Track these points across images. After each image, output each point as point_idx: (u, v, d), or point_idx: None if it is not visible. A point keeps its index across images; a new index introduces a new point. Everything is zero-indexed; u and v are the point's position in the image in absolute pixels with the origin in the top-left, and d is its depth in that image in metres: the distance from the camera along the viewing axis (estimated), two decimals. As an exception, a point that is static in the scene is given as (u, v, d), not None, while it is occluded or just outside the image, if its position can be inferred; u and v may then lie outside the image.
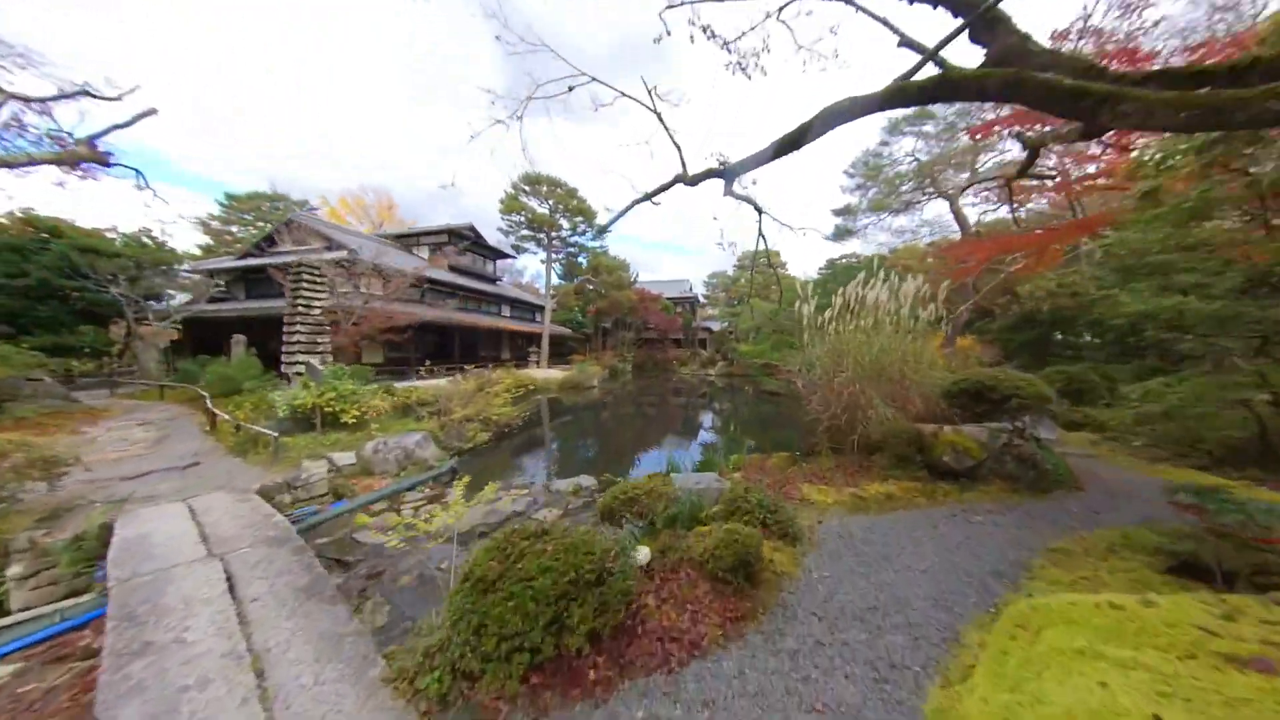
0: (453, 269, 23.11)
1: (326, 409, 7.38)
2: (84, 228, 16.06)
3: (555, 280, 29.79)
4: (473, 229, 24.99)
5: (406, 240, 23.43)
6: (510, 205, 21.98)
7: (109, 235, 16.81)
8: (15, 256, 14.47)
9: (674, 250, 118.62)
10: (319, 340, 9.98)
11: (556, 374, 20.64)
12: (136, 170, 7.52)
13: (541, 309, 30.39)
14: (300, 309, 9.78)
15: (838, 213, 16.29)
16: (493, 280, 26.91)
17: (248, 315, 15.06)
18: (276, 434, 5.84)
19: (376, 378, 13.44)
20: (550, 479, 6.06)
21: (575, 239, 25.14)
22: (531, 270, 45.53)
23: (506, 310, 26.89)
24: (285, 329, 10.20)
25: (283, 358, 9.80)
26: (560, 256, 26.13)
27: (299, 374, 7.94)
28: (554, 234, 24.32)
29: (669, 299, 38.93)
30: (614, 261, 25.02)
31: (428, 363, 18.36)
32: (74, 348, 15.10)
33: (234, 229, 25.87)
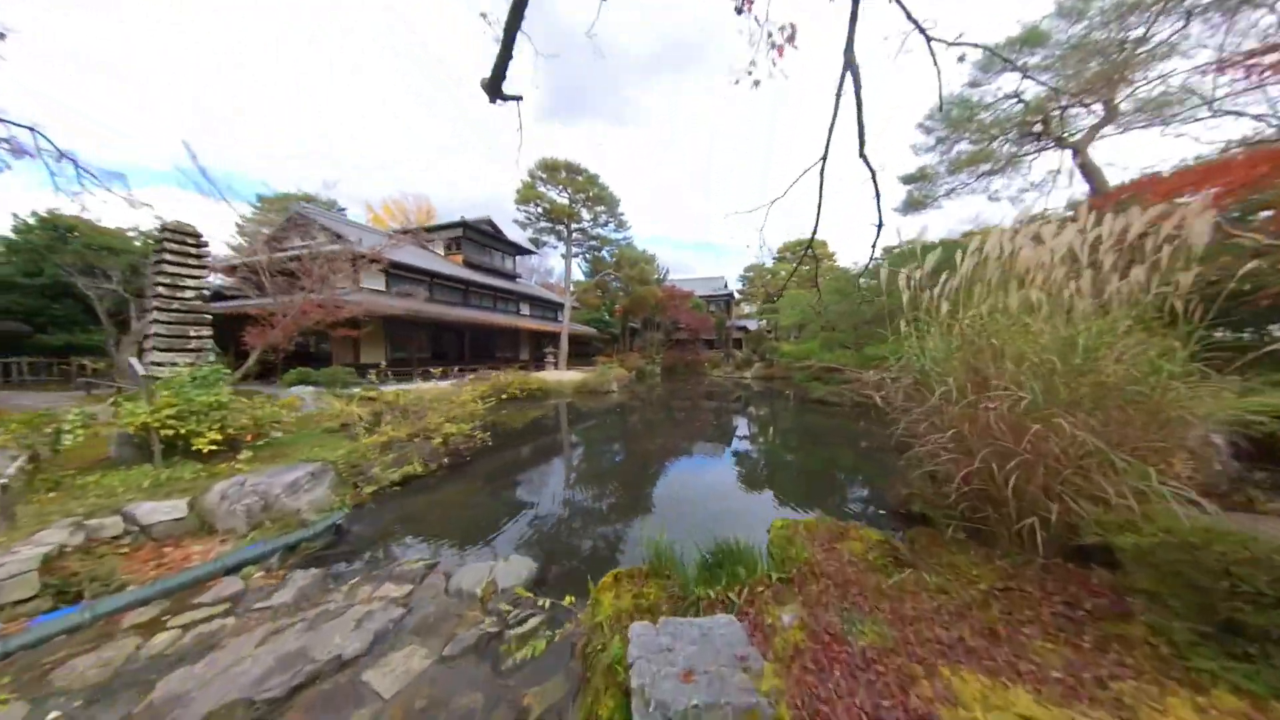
0: (468, 264, 21.90)
1: (166, 429, 4.97)
2: (104, 227, 16.03)
3: (580, 278, 28.13)
4: (490, 223, 23.75)
5: (423, 237, 22.50)
6: (526, 194, 20.45)
7: (129, 234, 16.77)
8: (34, 255, 14.48)
9: (709, 250, 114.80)
10: (191, 333, 7.72)
11: (573, 376, 18.76)
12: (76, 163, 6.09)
13: (564, 308, 28.79)
14: (162, 292, 7.34)
15: (909, 180, 13.13)
16: (512, 277, 25.61)
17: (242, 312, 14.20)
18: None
19: (360, 378, 12.04)
20: (464, 556, 3.82)
21: (597, 231, 23.27)
22: (561, 269, 44.31)
23: (526, 309, 25.46)
24: (142, 318, 8.24)
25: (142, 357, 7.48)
26: (582, 251, 24.37)
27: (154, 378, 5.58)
28: (574, 225, 22.55)
29: (701, 297, 36.29)
30: (638, 254, 22.86)
31: (436, 364, 17.01)
32: (88, 346, 14.96)
33: (265, 230, 26.25)
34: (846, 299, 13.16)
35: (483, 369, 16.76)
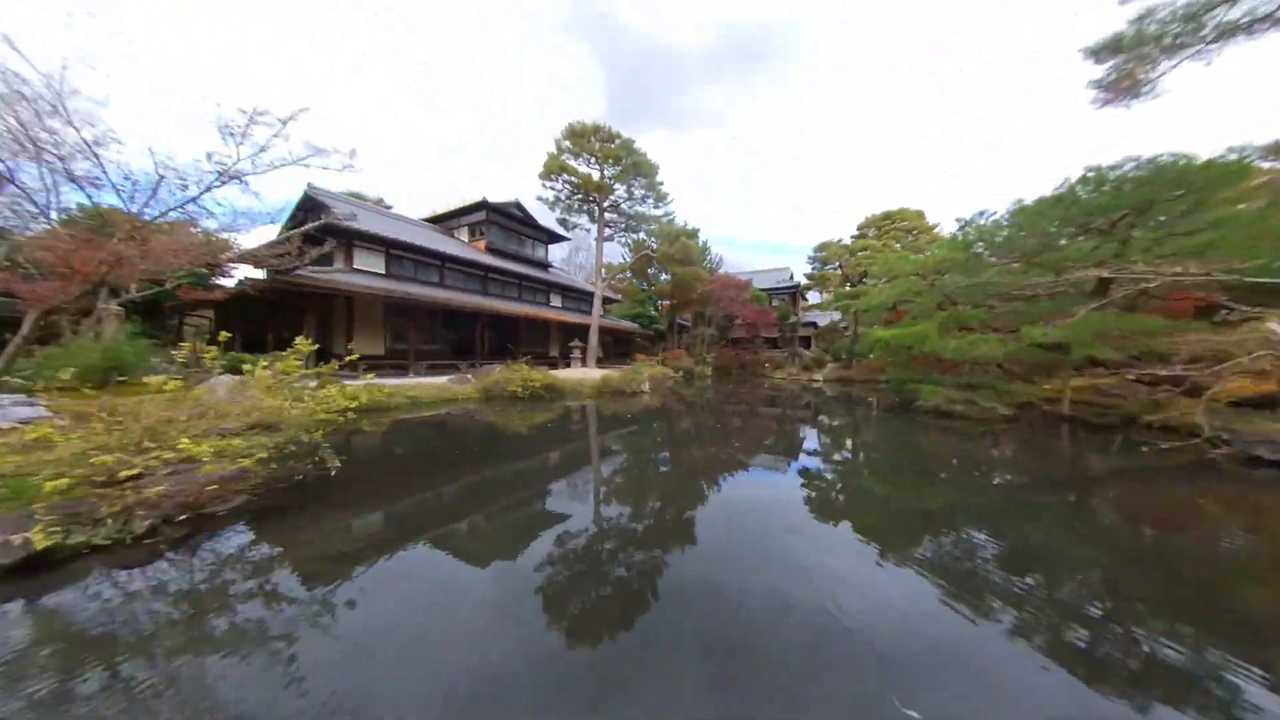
0: (493, 251, 19.85)
1: None
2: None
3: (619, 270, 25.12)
4: (519, 207, 21.63)
5: (447, 223, 21.02)
6: (552, 167, 17.88)
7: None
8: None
9: (774, 250, 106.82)
10: None
11: (595, 375, 15.58)
12: None
13: (604, 300, 25.91)
14: None
15: (1096, 52, 7.93)
16: (544, 266, 23.32)
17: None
18: None
19: (339, 371, 9.84)
20: None
21: (635, 209, 20.07)
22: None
23: (557, 300, 22.96)
24: None
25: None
26: (616, 232, 21.30)
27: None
28: (606, 202, 19.55)
29: (762, 290, 31.55)
30: (677, 228, 19.11)
31: (444, 359, 14.85)
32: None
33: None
34: (975, 265, 8.51)
35: (503, 365, 14.17)
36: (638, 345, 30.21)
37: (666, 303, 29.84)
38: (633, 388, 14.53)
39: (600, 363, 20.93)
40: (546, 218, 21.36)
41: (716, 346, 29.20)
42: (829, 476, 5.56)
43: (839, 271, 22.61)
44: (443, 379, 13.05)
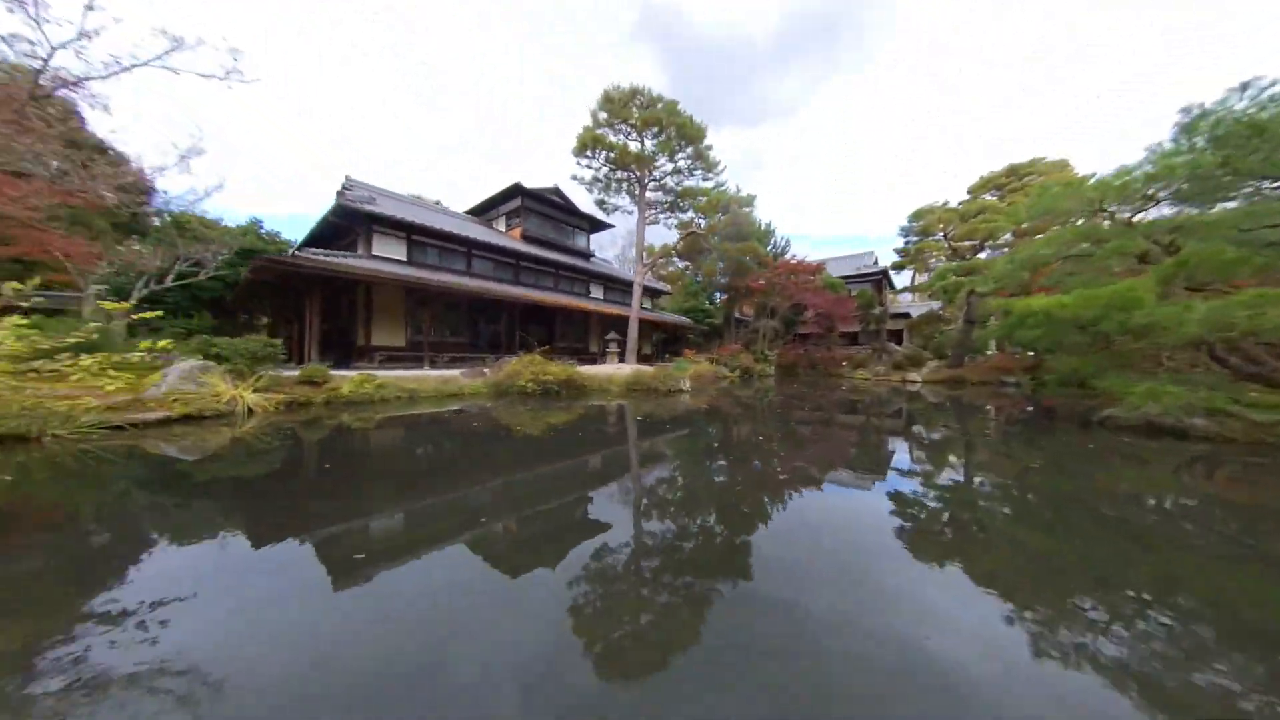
0: (529, 239, 18.62)
1: None
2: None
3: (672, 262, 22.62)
4: (558, 193, 20.24)
5: (487, 215, 20.29)
6: (586, 140, 16.08)
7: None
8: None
9: (852, 244, 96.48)
10: None
11: (627, 370, 13.34)
12: None
13: (650, 292, 23.68)
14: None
15: None
16: (585, 255, 21.71)
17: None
18: None
19: (340, 362, 8.77)
20: None
21: (681, 182, 17.54)
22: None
23: (598, 291, 21.20)
24: None
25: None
26: (661, 213, 18.91)
27: None
28: (649, 177, 17.29)
29: (840, 277, 27.10)
30: (726, 196, 16.00)
31: (465, 351, 13.71)
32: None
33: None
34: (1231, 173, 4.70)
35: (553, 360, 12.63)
36: (690, 341, 27.47)
37: (725, 296, 26.78)
38: (667, 385, 12.04)
39: (645, 359, 18.68)
40: (589, 205, 19.74)
41: (781, 342, 25.43)
42: (932, 446, 2.65)
43: (943, 242, 17.73)
44: (454, 372, 11.71)
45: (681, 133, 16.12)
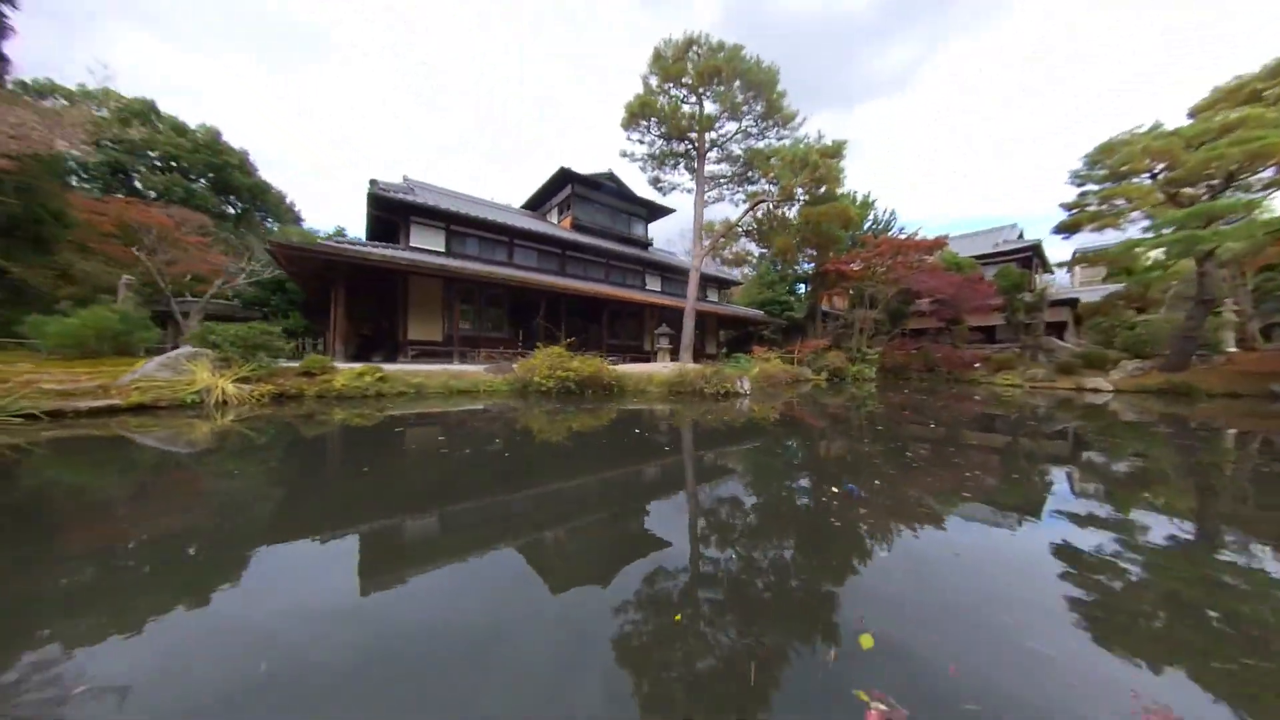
0: (579, 228, 17.32)
1: None
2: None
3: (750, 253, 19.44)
4: (612, 178, 18.67)
5: (541, 208, 19.53)
6: (636, 109, 14.12)
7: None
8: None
9: (985, 224, 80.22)
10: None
11: (666, 369, 10.94)
12: None
13: (715, 282, 20.92)
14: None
15: None
16: (643, 245, 19.77)
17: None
18: None
19: (388, 358, 8.10)
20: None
21: (749, 144, 14.62)
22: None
23: (654, 283, 19.10)
24: None
25: None
26: (728, 186, 16.10)
27: None
28: (709, 142, 14.72)
29: (972, 258, 21.44)
30: (803, 148, 12.29)
31: (500, 347, 12.71)
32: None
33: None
34: None
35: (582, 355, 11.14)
36: (765, 339, 23.89)
37: (809, 287, 22.71)
38: (714, 387, 9.36)
39: (709, 359, 16.06)
40: (648, 190, 17.78)
41: (885, 338, 20.59)
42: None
43: (1150, 185, 11.61)
44: (475, 367, 10.54)
45: (747, 82, 13.29)
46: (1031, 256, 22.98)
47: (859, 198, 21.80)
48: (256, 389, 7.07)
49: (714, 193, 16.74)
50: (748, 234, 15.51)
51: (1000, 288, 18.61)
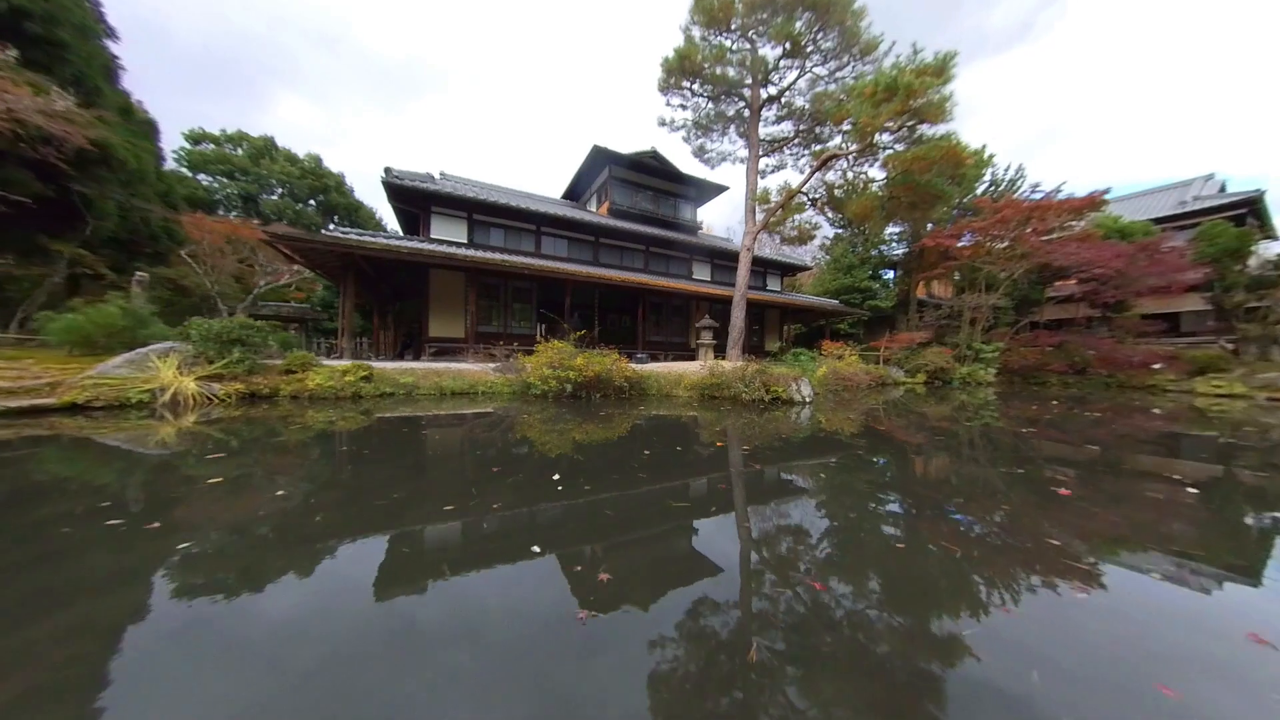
0: (615, 212, 15.74)
1: None
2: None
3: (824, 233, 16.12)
4: (655, 156, 16.79)
5: (580, 198, 18.28)
6: (675, 66, 12.05)
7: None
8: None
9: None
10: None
11: (697, 368, 8.69)
12: None
13: (778, 268, 18.08)
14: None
15: None
16: (691, 229, 17.57)
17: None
18: None
19: (401, 356, 7.45)
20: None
21: (818, 88, 11.78)
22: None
23: (704, 271, 16.81)
24: None
25: None
26: (792, 146, 13.29)
27: None
28: (763, 97, 12.17)
29: (1147, 221, 16.05)
30: (892, 72, 8.98)
31: (514, 343, 11.62)
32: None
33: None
34: None
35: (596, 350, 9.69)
36: (844, 333, 20.25)
37: (900, 271, 18.67)
38: (754, 393, 6.97)
39: (763, 357, 13.44)
40: (694, 166, 15.56)
41: (1008, 330, 16.04)
42: None
43: None
44: (476, 366, 9.37)
45: (813, 4, 10.56)
46: (1246, 214, 16.38)
47: (974, 148, 17.25)
48: (224, 388, 6.45)
49: (772, 159, 14.05)
50: (814, 204, 12.57)
51: (1202, 256, 13.20)
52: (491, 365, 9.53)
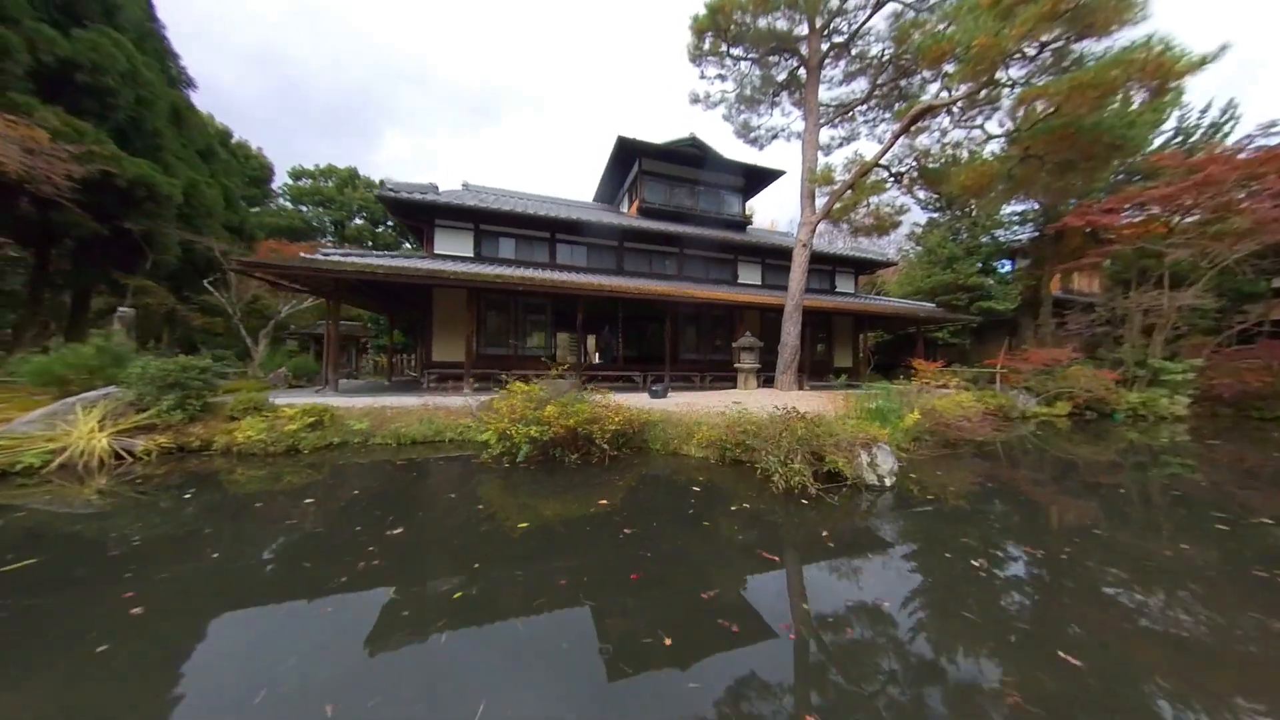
0: (645, 212, 13.73)
1: None
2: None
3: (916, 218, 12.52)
4: (695, 144, 14.47)
5: (614, 200, 16.51)
6: (710, 21, 9.72)
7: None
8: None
9: None
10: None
11: (722, 407, 6.21)
12: None
13: (849, 264, 14.86)
14: None
15: None
16: (739, 225, 14.91)
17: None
18: None
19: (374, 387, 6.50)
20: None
21: (897, 28, 8.74)
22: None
23: (753, 274, 14.07)
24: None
25: None
26: (868, 110, 10.25)
27: None
28: (829, 49, 9.39)
29: None
30: None
31: (522, 369, 10.18)
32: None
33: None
34: None
35: (603, 393, 7.95)
36: (943, 344, 16.19)
37: (1029, 260, 14.30)
38: (791, 475, 4.35)
39: (829, 376, 10.52)
40: (740, 150, 12.94)
41: (1212, 340, 11.20)
42: None
43: None
44: (463, 400, 7.88)
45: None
46: None
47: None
48: (146, 443, 5.57)
49: (838, 129, 11.07)
50: (898, 179, 9.35)
51: None
52: (479, 400, 8.01)
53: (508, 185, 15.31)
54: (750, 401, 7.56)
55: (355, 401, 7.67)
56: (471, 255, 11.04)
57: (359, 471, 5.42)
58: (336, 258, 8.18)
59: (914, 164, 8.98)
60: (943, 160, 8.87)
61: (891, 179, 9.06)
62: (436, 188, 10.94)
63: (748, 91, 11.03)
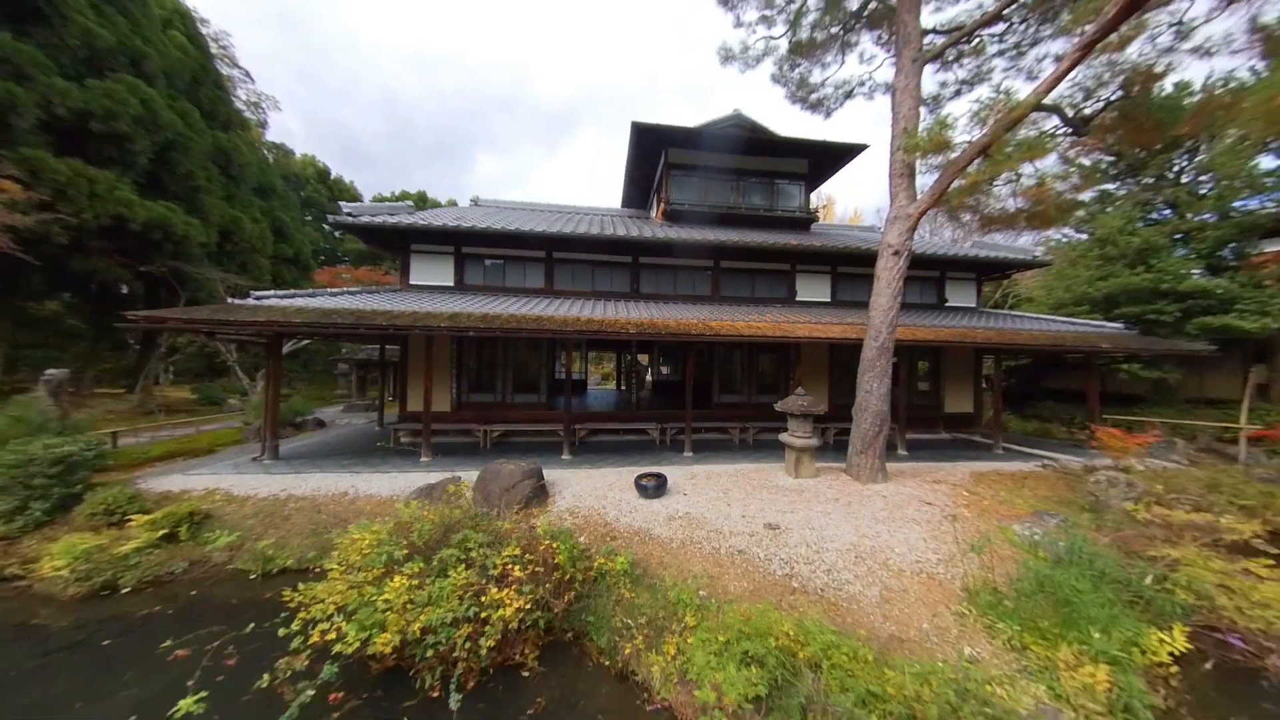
0: (671, 214, 10.87)
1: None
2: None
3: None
4: (738, 122, 11.30)
5: (645, 205, 13.80)
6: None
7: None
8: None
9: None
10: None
11: (790, 507, 3.19)
12: None
13: (968, 268, 10.65)
14: None
15: None
16: (798, 222, 11.31)
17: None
18: None
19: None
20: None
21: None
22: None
23: (821, 288, 10.40)
24: None
25: None
26: (980, 42, 6.41)
27: None
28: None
29: None
30: None
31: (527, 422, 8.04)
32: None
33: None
34: None
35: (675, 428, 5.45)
36: (1131, 381, 11.22)
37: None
38: None
39: (958, 426, 6.79)
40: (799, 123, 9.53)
41: None
42: None
43: None
44: (435, 477, 5.76)
45: None
46: None
47: None
48: (-62, 572, 4.19)
49: (953, 71, 7.26)
50: (1076, 128, 5.33)
51: None
52: (428, 480, 5.84)
53: (581, 201, 13.31)
54: (797, 514, 4.41)
55: (276, 482, 5.96)
56: (452, 284, 9.16)
57: (143, 638, 3.41)
58: (252, 303, 6.63)
59: (1117, 96, 4.96)
60: (1129, 95, 4.75)
61: (1065, 130, 5.11)
62: (410, 207, 9.27)
63: (806, 32, 7.69)
